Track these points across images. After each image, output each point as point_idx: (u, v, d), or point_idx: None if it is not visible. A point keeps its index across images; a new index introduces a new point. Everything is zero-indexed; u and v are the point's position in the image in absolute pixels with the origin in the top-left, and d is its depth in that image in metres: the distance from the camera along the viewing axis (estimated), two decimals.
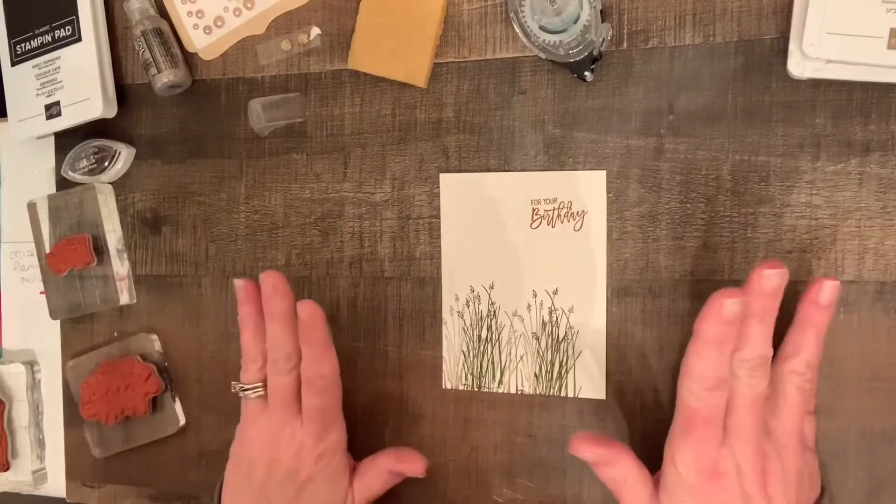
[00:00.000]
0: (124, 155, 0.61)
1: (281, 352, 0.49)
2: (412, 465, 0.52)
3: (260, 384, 0.50)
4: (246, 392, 0.50)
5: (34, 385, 0.66)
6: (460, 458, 0.54)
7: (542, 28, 0.48)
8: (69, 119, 0.60)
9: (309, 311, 0.48)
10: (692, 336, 0.41)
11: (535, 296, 0.52)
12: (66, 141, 0.63)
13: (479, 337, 0.54)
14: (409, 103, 0.55)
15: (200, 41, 0.59)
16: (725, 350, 0.40)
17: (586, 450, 0.44)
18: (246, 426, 0.51)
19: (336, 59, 0.56)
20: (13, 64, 0.62)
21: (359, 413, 0.56)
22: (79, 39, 0.59)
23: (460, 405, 0.54)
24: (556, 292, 0.52)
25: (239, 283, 0.51)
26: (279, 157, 0.58)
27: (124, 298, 0.62)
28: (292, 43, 0.57)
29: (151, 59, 0.57)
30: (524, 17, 0.49)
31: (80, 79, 0.59)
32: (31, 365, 0.66)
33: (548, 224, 0.52)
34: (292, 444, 0.49)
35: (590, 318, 0.51)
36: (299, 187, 0.58)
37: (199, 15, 0.59)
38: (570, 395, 0.52)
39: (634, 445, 0.50)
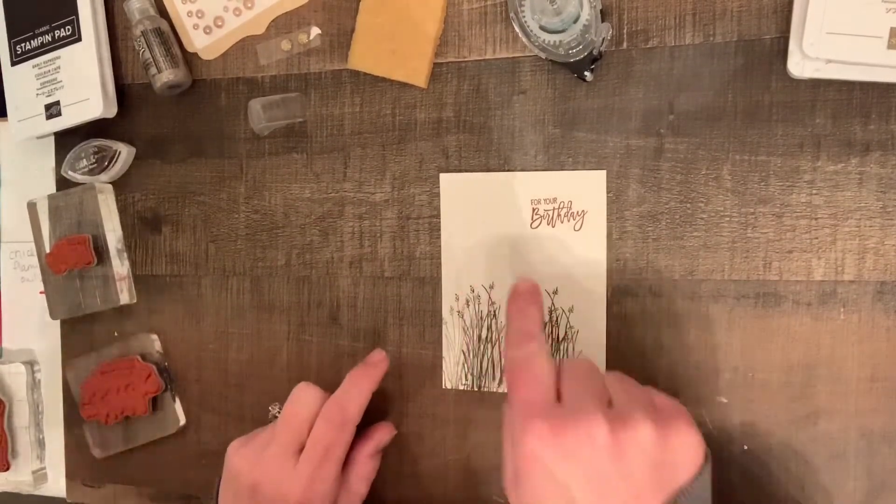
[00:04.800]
0: (124, 155, 0.61)
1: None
2: (381, 434, 0.53)
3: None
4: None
5: (34, 385, 0.66)
6: (460, 458, 0.54)
7: (542, 28, 0.48)
8: (69, 119, 0.60)
9: (381, 357, 0.53)
10: None
11: None
12: (66, 141, 0.63)
13: (479, 337, 0.53)
14: (409, 103, 0.55)
15: (200, 41, 0.59)
16: None
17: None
18: (246, 445, 0.50)
19: (336, 59, 0.56)
20: (13, 64, 0.62)
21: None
22: (79, 39, 0.59)
23: (460, 405, 0.54)
24: (556, 292, 0.52)
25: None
26: (279, 157, 0.58)
27: (124, 298, 0.62)
28: (292, 43, 0.57)
29: (151, 59, 0.57)
30: (524, 16, 0.49)
31: (80, 79, 0.59)
32: (31, 365, 0.66)
33: (548, 224, 0.52)
34: (279, 486, 0.47)
35: (590, 318, 0.51)
36: (299, 187, 0.58)
37: (199, 15, 0.59)
38: None
39: None
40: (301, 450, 0.49)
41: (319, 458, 0.48)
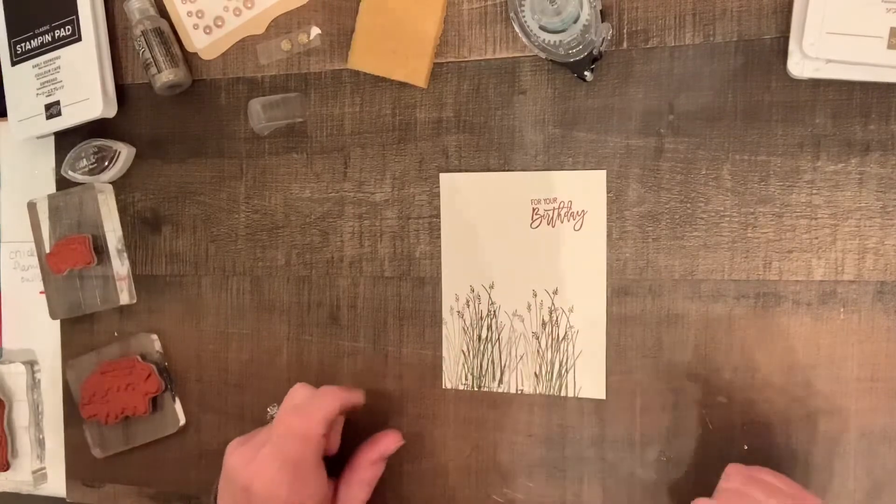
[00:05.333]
0: (124, 155, 0.61)
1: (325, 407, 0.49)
2: (387, 441, 0.52)
3: None
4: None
5: (34, 385, 0.66)
6: (460, 458, 0.54)
7: (542, 28, 0.48)
8: (69, 119, 0.60)
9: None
10: None
11: (535, 295, 0.52)
12: (66, 141, 0.63)
13: (479, 337, 0.54)
14: (409, 103, 0.55)
15: (200, 41, 0.59)
16: None
17: None
18: (243, 444, 0.50)
19: (336, 59, 0.56)
20: (13, 64, 0.62)
21: (359, 413, 0.56)
22: (79, 39, 0.59)
23: (460, 405, 0.54)
24: (556, 292, 0.52)
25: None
26: (279, 157, 0.58)
27: (124, 298, 0.62)
28: (292, 43, 0.57)
29: (151, 59, 0.57)
30: (524, 16, 0.49)
31: (80, 78, 0.59)
32: (31, 365, 0.66)
33: (548, 224, 0.52)
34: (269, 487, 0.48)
35: (590, 318, 0.51)
36: (299, 187, 0.58)
37: (199, 15, 0.59)
38: (570, 394, 0.52)
39: (634, 445, 0.50)
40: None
41: None
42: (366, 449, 0.52)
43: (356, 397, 0.51)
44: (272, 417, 0.57)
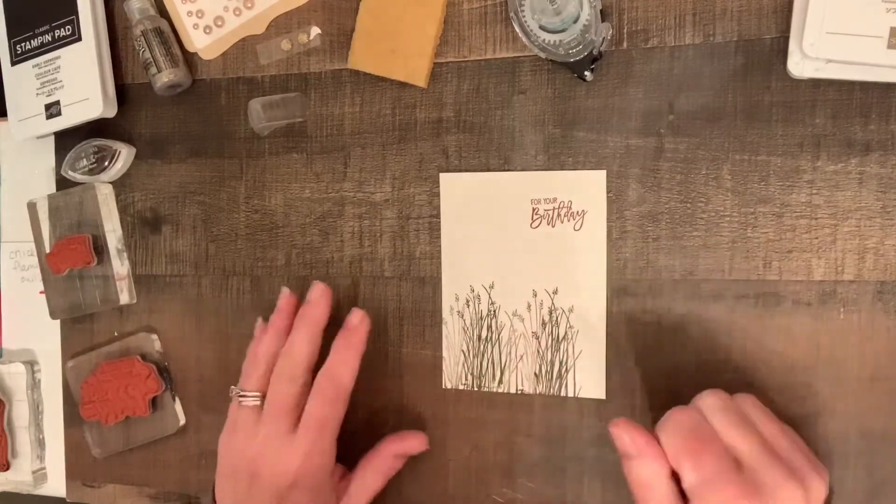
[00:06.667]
0: (124, 155, 0.61)
1: (296, 359, 0.50)
2: (414, 441, 0.53)
3: (259, 393, 0.50)
4: (245, 398, 0.50)
5: (34, 385, 0.66)
6: (460, 458, 0.54)
7: (542, 27, 0.48)
8: (69, 119, 0.60)
9: (360, 318, 0.52)
10: None
11: (535, 295, 0.52)
12: (66, 141, 0.63)
13: (479, 337, 0.54)
14: (409, 103, 0.55)
15: (200, 41, 0.59)
16: None
17: (623, 433, 0.41)
18: (235, 433, 0.51)
19: (336, 59, 0.56)
20: (13, 63, 0.62)
21: (359, 414, 0.56)
22: (79, 39, 0.59)
23: (460, 405, 0.54)
24: (556, 292, 0.52)
25: (284, 292, 0.55)
26: (279, 157, 0.58)
27: (124, 298, 0.62)
28: (292, 43, 0.57)
29: (151, 59, 0.57)
30: (524, 16, 0.49)
31: (80, 78, 0.59)
32: (31, 365, 0.66)
33: (548, 224, 0.52)
34: (277, 462, 0.48)
35: (590, 318, 0.51)
36: (299, 187, 0.58)
37: (199, 15, 0.59)
38: (570, 394, 0.52)
39: None
40: (294, 426, 0.49)
41: (315, 432, 0.49)
42: (392, 441, 0.53)
43: (363, 331, 0.52)
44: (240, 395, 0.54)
